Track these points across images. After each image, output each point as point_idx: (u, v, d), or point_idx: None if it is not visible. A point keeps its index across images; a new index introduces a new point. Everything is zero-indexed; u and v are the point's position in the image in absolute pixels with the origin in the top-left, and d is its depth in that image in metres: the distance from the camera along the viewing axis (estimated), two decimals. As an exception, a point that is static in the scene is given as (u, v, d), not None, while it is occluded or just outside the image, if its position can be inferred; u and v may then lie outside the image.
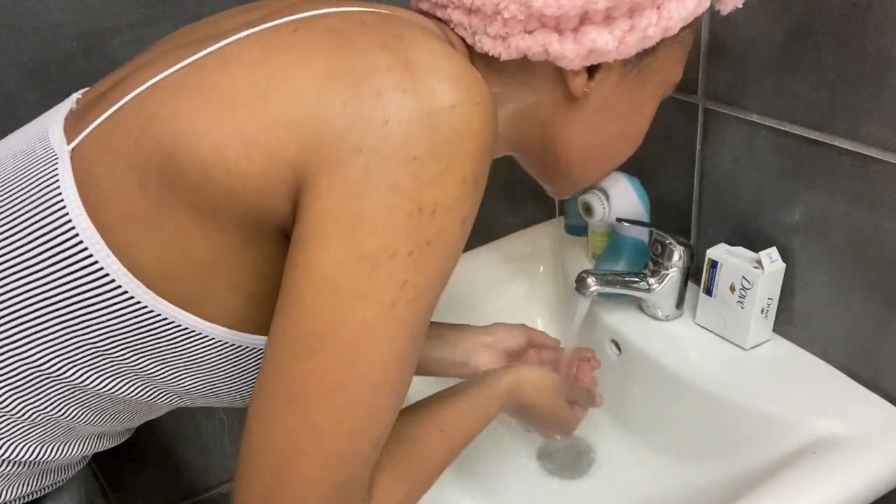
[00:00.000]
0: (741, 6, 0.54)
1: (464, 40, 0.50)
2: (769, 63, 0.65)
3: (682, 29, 0.50)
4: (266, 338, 0.44)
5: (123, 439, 0.58)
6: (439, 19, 0.51)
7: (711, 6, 0.53)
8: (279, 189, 0.41)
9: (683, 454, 0.72)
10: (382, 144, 0.39)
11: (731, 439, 0.67)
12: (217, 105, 0.41)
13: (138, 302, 0.44)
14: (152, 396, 0.51)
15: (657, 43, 0.49)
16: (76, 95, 0.52)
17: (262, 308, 0.46)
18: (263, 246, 0.44)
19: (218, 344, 0.47)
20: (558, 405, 0.68)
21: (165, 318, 0.45)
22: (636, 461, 0.77)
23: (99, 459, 0.99)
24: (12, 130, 0.53)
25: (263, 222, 0.43)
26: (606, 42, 0.46)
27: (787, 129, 0.65)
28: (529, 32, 0.46)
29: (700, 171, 0.77)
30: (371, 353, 0.41)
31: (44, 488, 0.53)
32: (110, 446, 0.57)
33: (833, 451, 0.58)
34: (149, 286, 0.43)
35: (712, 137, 0.74)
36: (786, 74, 0.64)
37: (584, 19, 0.45)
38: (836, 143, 0.61)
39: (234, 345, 0.48)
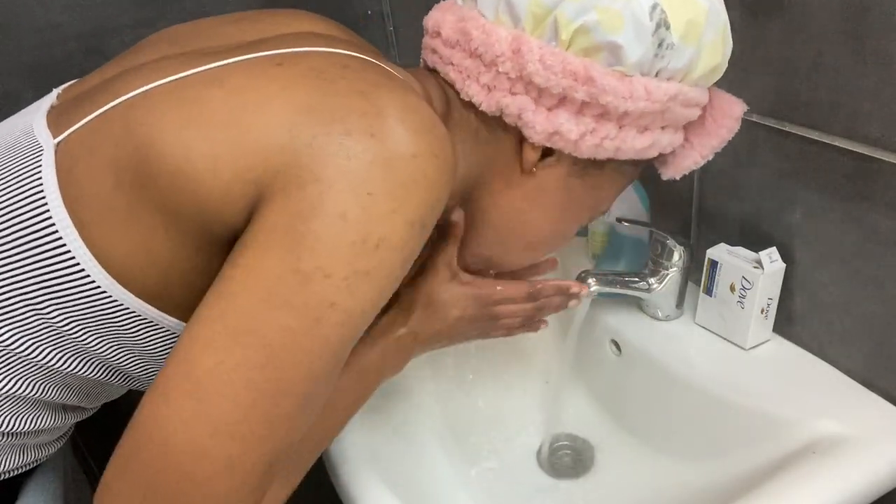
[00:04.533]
0: (678, 178, 0.60)
1: (445, 92, 0.54)
2: (769, 63, 0.65)
3: (630, 161, 0.55)
4: None
5: (89, 414, 0.61)
6: (428, 69, 0.55)
7: (656, 167, 0.61)
8: (239, 203, 0.43)
9: (683, 454, 0.72)
10: (340, 177, 0.41)
11: (732, 439, 0.67)
12: (196, 122, 0.44)
13: (104, 291, 0.46)
14: (106, 376, 0.54)
15: (606, 160, 0.54)
16: (57, 91, 0.54)
17: None
18: (217, 254, 0.46)
19: (170, 333, 0.51)
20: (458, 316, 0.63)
21: (127, 308, 0.48)
22: (636, 461, 0.77)
23: (98, 460, 0.99)
24: (12, 130, 0.54)
25: (218, 232, 0.45)
26: (570, 130, 0.51)
27: (787, 129, 0.65)
28: (513, 94, 0.51)
29: (700, 171, 0.77)
30: (286, 361, 0.41)
31: (24, 465, 0.55)
32: (80, 419, 0.59)
33: (833, 451, 0.58)
34: (115, 277, 0.46)
35: (712, 137, 0.74)
36: (785, 74, 0.64)
37: (561, 103, 0.51)
38: (836, 143, 0.61)
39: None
